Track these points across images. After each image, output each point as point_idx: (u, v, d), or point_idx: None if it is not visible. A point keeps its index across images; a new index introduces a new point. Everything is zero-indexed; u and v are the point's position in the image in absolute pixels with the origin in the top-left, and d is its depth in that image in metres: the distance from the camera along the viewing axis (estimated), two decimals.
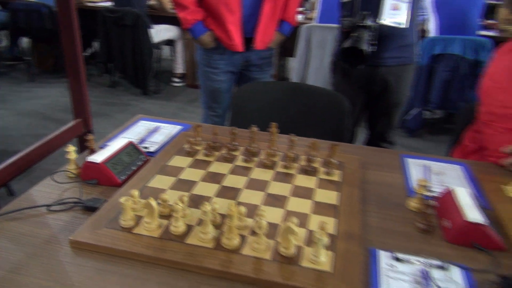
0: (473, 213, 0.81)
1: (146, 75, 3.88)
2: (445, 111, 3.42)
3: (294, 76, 3.29)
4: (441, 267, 0.74)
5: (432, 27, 2.98)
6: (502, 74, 1.15)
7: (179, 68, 4.28)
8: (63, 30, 1.36)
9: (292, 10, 1.95)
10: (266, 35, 1.90)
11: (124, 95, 3.98)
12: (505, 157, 1.09)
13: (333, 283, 0.68)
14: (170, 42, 4.23)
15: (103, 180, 0.95)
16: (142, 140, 1.19)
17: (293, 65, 3.37)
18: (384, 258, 0.76)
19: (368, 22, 1.66)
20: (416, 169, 1.10)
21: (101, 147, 1.07)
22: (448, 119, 3.50)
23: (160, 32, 3.90)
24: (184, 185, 0.95)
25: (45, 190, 0.93)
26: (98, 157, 0.96)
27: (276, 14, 1.88)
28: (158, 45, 3.94)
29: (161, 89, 4.10)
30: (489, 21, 3.33)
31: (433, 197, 0.93)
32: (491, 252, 0.78)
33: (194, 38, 1.91)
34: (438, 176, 1.08)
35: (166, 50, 4.64)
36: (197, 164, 1.04)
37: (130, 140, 1.08)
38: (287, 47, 3.34)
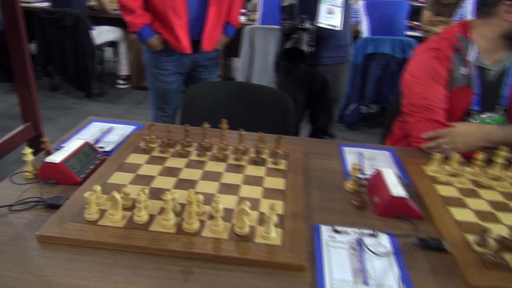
0: (397, 189, 0.95)
1: (89, 77, 3.79)
2: (379, 105, 3.71)
3: (239, 75, 3.40)
4: (372, 235, 0.87)
5: (364, 29, 3.23)
6: (420, 70, 1.32)
7: (124, 70, 4.23)
8: (9, 33, 1.35)
9: (235, 13, 2.05)
10: (212, 37, 1.98)
11: (67, 99, 3.86)
12: (424, 142, 1.27)
13: (283, 254, 0.78)
14: (112, 44, 4.17)
15: (62, 179, 0.99)
16: (97, 141, 1.23)
17: (238, 65, 3.48)
18: (325, 231, 0.88)
19: (307, 25, 1.80)
20: (352, 155, 1.25)
21: (57, 149, 1.10)
22: (382, 113, 3.79)
23: (102, 34, 3.83)
24: (143, 180, 1.01)
25: (4, 192, 0.95)
26: (57, 158, 0.99)
27: (221, 17, 1.98)
28: (100, 47, 3.87)
29: (105, 92, 4.03)
30: (414, 23, 3.66)
31: (365, 179, 1.07)
32: (412, 220, 0.93)
33: (142, 41, 1.94)
34: (370, 161, 1.23)
35: (108, 51, 4.56)
36: (153, 160, 1.11)
37: (86, 140, 1.12)
38: (231, 47, 3.45)
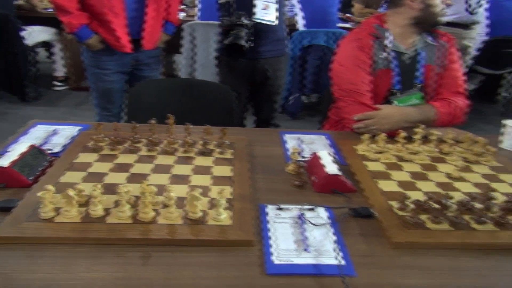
0: (331, 168, 1.07)
1: (23, 80, 3.61)
2: (319, 94, 3.89)
3: (182, 72, 3.42)
4: (312, 209, 0.98)
5: (300, 22, 3.38)
6: (346, 59, 1.46)
7: (60, 71, 4.06)
8: None
9: (174, 11, 2.09)
10: (153, 36, 2.01)
11: None
12: (354, 123, 1.41)
13: (233, 232, 0.87)
14: (46, 44, 3.99)
15: (11, 183, 0.99)
16: (43, 143, 1.23)
17: (180, 61, 3.49)
18: (270, 209, 0.97)
19: (244, 21, 1.89)
20: (292, 141, 1.36)
21: (1, 154, 1.10)
22: (322, 101, 3.99)
23: (33, 34, 3.65)
24: (95, 177, 1.05)
25: None
26: (4, 162, 1.00)
27: (160, 15, 2.00)
28: (33, 48, 3.69)
29: (42, 95, 3.85)
30: (346, 15, 3.88)
31: (304, 161, 1.18)
32: (346, 194, 1.05)
33: (80, 42, 1.92)
34: (309, 145, 1.35)
35: (42, 52, 4.35)
36: (103, 158, 1.14)
37: (32, 143, 1.12)
38: (172, 44, 3.44)
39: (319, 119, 1.92)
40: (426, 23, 1.42)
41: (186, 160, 1.16)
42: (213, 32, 3.14)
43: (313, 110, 3.83)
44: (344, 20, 3.79)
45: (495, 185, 1.12)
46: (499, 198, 1.00)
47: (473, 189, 1.09)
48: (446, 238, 0.89)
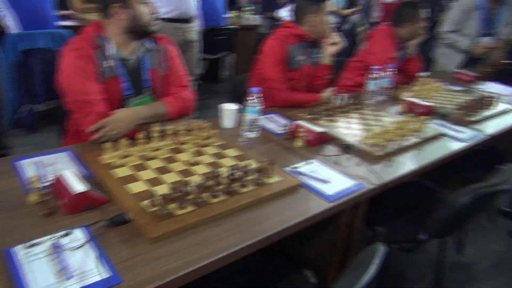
0: (77, 186, 1.07)
1: None
2: (56, 100, 3.59)
3: None
4: (67, 234, 0.97)
5: (11, 24, 2.97)
6: (71, 71, 1.41)
7: None
8: None
9: None
10: None
11: None
12: (92, 135, 1.40)
13: None
14: None
15: None
16: None
17: None
18: (20, 251, 0.90)
19: None
20: (30, 167, 1.26)
21: None
22: (56, 113, 3.69)
23: None
24: None
25: None
26: None
27: None
28: None
29: None
30: (64, 12, 3.64)
31: (49, 186, 1.13)
32: (100, 207, 1.08)
33: None
34: (51, 166, 1.28)
35: None
36: None
37: None
38: None
39: (58, 133, 1.81)
40: (138, 32, 1.52)
41: None
42: None
43: (53, 119, 3.51)
44: (64, 18, 3.55)
45: (223, 161, 1.38)
46: (224, 172, 1.24)
47: (207, 170, 1.31)
48: (191, 218, 1.05)
